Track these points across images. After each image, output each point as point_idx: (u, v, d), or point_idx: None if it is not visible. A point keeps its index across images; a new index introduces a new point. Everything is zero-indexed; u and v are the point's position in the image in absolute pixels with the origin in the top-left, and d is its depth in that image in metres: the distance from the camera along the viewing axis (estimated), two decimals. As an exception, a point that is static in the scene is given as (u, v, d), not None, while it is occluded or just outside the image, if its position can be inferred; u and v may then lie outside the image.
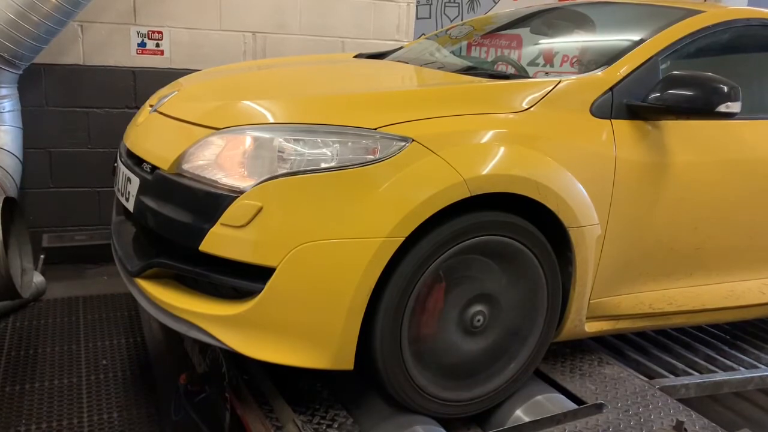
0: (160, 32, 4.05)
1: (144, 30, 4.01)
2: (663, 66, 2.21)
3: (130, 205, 2.01)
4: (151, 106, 2.31)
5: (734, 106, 2.04)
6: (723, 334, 2.88)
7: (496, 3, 4.61)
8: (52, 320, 3.25)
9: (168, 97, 2.24)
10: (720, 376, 2.46)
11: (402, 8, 4.72)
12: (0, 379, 2.69)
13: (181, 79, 2.61)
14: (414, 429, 1.87)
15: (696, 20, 2.33)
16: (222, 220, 1.70)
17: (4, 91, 3.57)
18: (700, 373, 2.48)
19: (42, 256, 3.81)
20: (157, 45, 4.05)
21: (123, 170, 2.12)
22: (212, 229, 1.71)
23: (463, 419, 2.04)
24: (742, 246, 2.45)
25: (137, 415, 2.52)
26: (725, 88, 2.02)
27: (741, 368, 2.56)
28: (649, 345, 2.65)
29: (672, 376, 2.41)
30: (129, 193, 2.02)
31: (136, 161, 2.06)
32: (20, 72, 3.61)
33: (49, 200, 4.03)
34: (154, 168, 1.93)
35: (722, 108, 2.03)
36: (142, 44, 4.02)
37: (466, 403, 1.98)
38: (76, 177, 4.06)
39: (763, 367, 2.59)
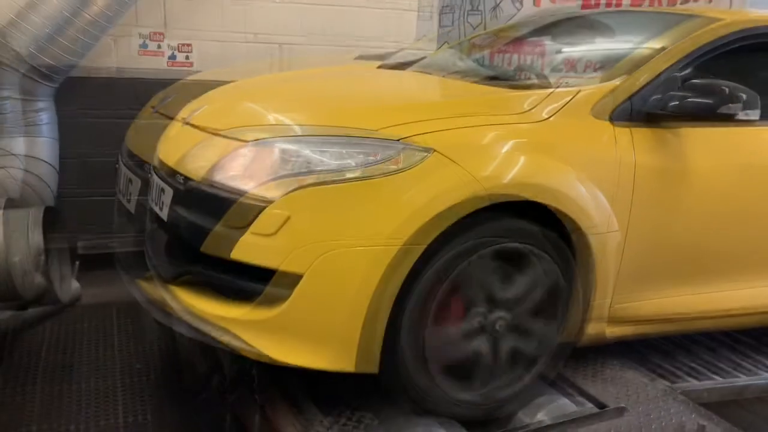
0: (189, 45, 4.16)
1: (174, 43, 4.12)
2: (683, 74, 2.22)
3: (163, 215, 2.09)
4: (183, 119, 2.39)
5: (753, 114, 2.07)
6: (747, 338, 2.87)
7: (518, 11, 4.64)
8: (88, 325, 3.34)
9: (199, 111, 2.32)
10: (743, 381, 2.47)
11: (425, 17, 4.77)
12: (39, 380, 2.79)
13: (210, 92, 2.69)
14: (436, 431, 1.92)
15: (716, 28, 2.34)
16: (252, 228, 1.77)
17: (41, 104, 3.69)
18: (723, 377, 2.48)
19: (77, 263, 3.92)
20: (187, 57, 4.17)
21: (156, 181, 2.20)
22: (242, 238, 1.78)
23: (485, 421, 2.08)
24: (766, 251, 2.45)
25: (170, 415, 2.59)
26: (744, 96, 2.05)
27: (764, 373, 2.55)
28: (672, 349, 2.66)
29: (694, 381, 2.42)
30: (162, 203, 2.10)
31: (169, 172, 2.14)
32: (56, 85, 3.74)
33: (83, 208, 4.14)
34: (186, 179, 2.01)
35: (741, 115, 2.06)
36: (173, 57, 4.13)
37: (488, 405, 2.02)
38: (110, 185, 4.16)
39: (786, 372, 2.59)
